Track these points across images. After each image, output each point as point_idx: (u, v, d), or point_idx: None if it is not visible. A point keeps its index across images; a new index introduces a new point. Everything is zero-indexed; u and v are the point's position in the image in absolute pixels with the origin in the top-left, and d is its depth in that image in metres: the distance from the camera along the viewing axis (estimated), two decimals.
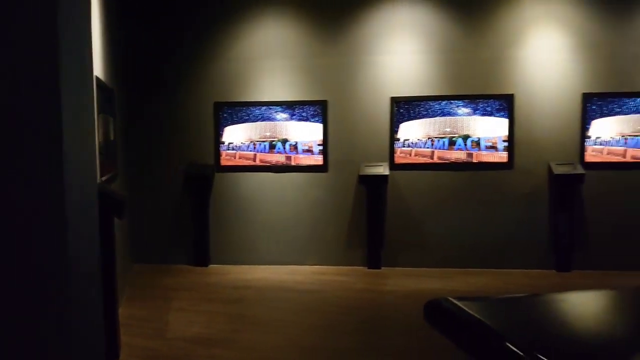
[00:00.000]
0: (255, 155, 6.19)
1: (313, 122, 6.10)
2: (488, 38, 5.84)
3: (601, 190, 5.77)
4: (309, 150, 6.11)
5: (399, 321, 4.46)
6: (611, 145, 5.76)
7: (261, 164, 6.19)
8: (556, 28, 5.75)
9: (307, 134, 6.11)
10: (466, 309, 1.74)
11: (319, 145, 6.10)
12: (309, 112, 6.08)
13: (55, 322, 1.62)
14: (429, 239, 6.00)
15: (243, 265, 6.01)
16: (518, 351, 1.31)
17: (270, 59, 6.06)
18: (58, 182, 1.58)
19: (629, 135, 5.73)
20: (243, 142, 6.18)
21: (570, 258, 5.79)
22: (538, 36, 5.77)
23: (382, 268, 5.95)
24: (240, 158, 6.20)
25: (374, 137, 6.04)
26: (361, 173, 5.88)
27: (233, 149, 6.15)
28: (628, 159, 5.75)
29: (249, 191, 6.18)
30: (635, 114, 5.70)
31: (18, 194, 1.58)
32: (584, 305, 1.80)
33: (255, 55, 6.07)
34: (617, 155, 5.76)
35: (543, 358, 1.23)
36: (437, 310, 1.86)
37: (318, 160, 6.11)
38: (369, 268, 5.96)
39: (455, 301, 1.82)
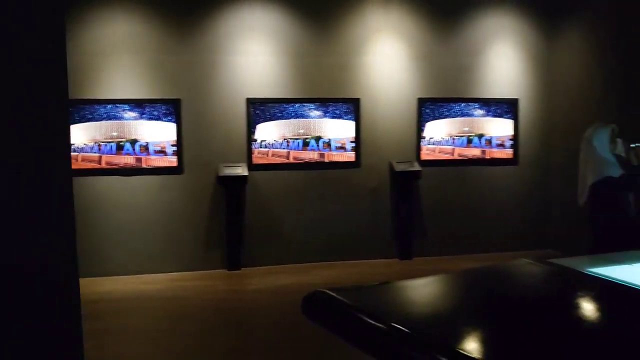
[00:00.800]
0: (100, 157, 5.77)
1: (165, 121, 5.89)
2: (336, 45, 6.26)
3: (435, 185, 6.56)
4: (162, 151, 5.90)
5: (268, 317, 4.58)
6: (442, 145, 6.59)
7: (108, 166, 5.78)
8: (396, 38, 6.39)
9: (159, 134, 5.88)
10: (342, 298, 1.94)
11: (172, 145, 5.92)
12: (160, 111, 5.86)
13: None
14: (286, 236, 6.23)
15: (89, 278, 5.55)
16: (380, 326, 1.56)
17: (117, 54, 5.71)
18: None
19: (456, 136, 6.62)
20: (87, 143, 5.72)
21: (411, 246, 6.49)
22: (380, 45, 6.35)
23: (242, 269, 6.00)
24: (83, 160, 5.72)
25: (231, 138, 6.06)
26: (219, 174, 5.85)
27: (75, 151, 5.65)
28: (456, 156, 6.64)
29: (93, 196, 5.73)
30: (461, 117, 6.61)
31: None
32: (428, 287, 2.16)
33: (100, 49, 5.66)
34: (447, 153, 6.62)
35: (402, 328, 1.53)
36: (314, 303, 2.03)
37: (172, 161, 5.92)
38: (229, 270, 5.97)
39: (331, 292, 2.01)
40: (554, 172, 6.85)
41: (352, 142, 6.35)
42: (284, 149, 6.20)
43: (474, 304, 1.94)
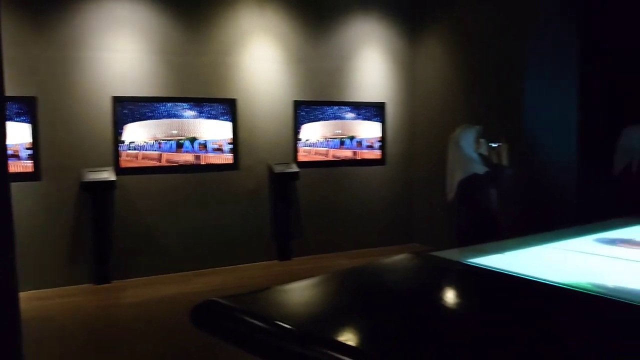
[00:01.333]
0: None
1: (18, 122, 5.27)
2: (210, 44, 6.11)
3: (311, 185, 6.72)
4: (15, 155, 5.26)
5: (148, 331, 4.31)
6: (317, 147, 6.77)
7: None
8: (271, 40, 6.42)
9: (11, 136, 5.23)
10: (234, 305, 1.97)
11: (27, 149, 5.31)
12: (12, 110, 5.22)
13: None
14: (162, 244, 5.93)
15: None
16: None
17: None
18: None
19: (330, 138, 6.85)
20: None
21: (290, 247, 6.57)
22: (255, 46, 6.34)
23: (113, 282, 5.59)
24: None
25: (96, 140, 5.61)
26: (83, 179, 5.38)
27: None
28: (330, 157, 6.87)
29: None
30: (333, 119, 6.85)
31: None
32: (315, 287, 2.28)
33: None
34: (322, 154, 6.82)
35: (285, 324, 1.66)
36: (205, 312, 2.02)
37: (27, 166, 5.31)
38: (97, 284, 5.51)
39: (222, 301, 2.03)
40: (417, 170, 7.42)
41: (229, 143, 6.25)
42: (155, 150, 5.90)
43: (360, 300, 2.07)
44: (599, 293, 2.02)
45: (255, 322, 1.78)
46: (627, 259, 2.74)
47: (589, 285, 2.11)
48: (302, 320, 1.83)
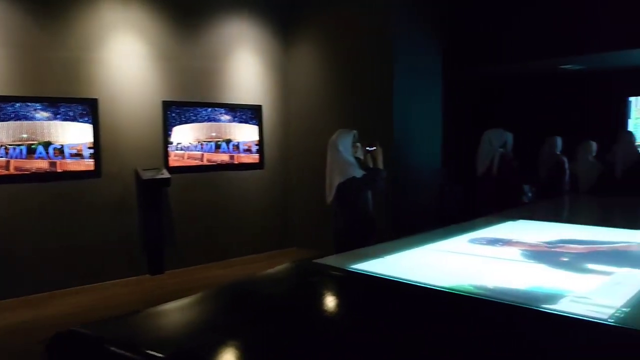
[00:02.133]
0: None
1: None
2: (67, 37, 5.54)
3: (185, 192, 6.39)
4: None
5: None
6: (190, 150, 6.46)
7: None
8: (136, 36, 5.99)
9: None
10: (98, 334, 1.78)
11: None
12: None
13: None
14: (13, 263, 5.23)
15: None
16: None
17: None
18: None
19: (204, 141, 6.57)
20: None
21: (162, 260, 6.18)
22: (119, 41, 5.88)
23: None
24: None
25: None
26: None
27: None
28: (205, 162, 6.59)
29: None
30: (208, 122, 6.58)
31: None
32: (187, 309, 2.11)
33: None
34: (196, 159, 6.52)
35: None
36: (61, 346, 1.81)
37: None
38: None
39: (82, 330, 1.82)
40: (295, 174, 7.41)
41: (90, 148, 5.71)
42: (1, 157, 5.20)
43: (240, 318, 1.94)
44: (480, 295, 2.07)
45: (123, 352, 1.58)
46: (507, 259, 2.88)
47: (471, 288, 2.16)
48: (178, 348, 1.65)
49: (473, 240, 3.42)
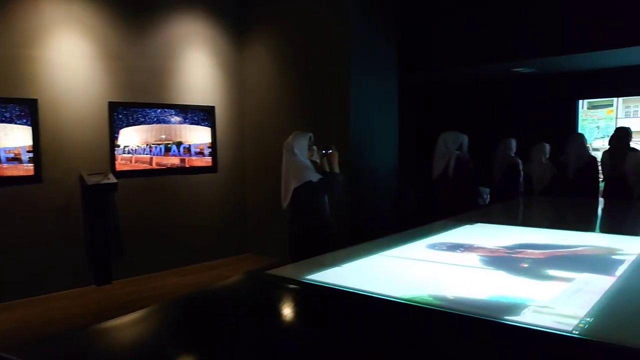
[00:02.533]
0: None
1: None
2: (2, 33, 5.19)
3: (133, 198, 6.12)
4: None
5: None
6: (139, 154, 6.19)
7: None
8: (80, 33, 5.69)
9: None
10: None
11: None
12: None
13: None
14: None
15: None
16: None
17: None
18: None
19: (154, 144, 6.32)
20: None
21: (110, 269, 5.89)
22: (62, 39, 5.56)
23: None
24: None
25: None
26: None
27: None
28: (154, 165, 6.33)
29: None
30: (157, 123, 6.33)
31: None
32: (137, 325, 1.98)
33: None
34: (145, 162, 6.25)
35: None
36: None
37: None
38: None
39: (9, 356, 1.68)
40: (250, 177, 7.24)
41: (29, 151, 5.38)
42: None
43: (194, 333, 1.83)
44: (440, 307, 1.99)
45: None
46: (467, 266, 2.82)
47: (430, 299, 2.08)
48: None
49: (432, 246, 3.37)
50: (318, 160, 4.30)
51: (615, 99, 8.36)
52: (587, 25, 6.21)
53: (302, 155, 4.12)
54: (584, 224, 4.66)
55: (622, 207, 5.40)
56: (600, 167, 6.16)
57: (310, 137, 4.20)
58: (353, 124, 6.20)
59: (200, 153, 6.80)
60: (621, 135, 5.95)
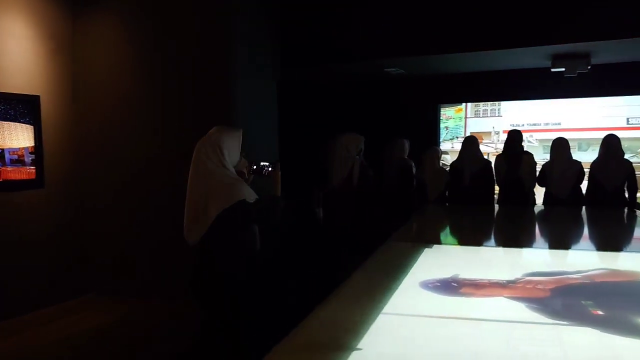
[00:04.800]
0: None
1: None
2: None
3: None
4: None
5: None
6: None
7: None
8: None
9: None
10: None
11: None
12: None
13: None
14: None
15: None
16: None
17: None
18: None
19: None
20: None
21: None
22: None
23: None
24: None
25: None
26: None
27: None
28: None
29: None
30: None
31: None
32: None
33: None
34: None
35: None
36: None
37: None
38: None
39: None
40: (91, 194, 5.59)
41: None
42: None
43: None
44: None
45: None
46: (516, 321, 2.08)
47: None
48: None
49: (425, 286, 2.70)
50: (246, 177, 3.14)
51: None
52: (452, 27, 6.14)
53: (232, 164, 2.95)
54: (552, 238, 4.34)
55: (563, 216, 5.28)
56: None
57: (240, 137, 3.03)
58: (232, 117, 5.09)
59: (19, 161, 4.98)
60: (515, 138, 5.88)
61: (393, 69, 7.51)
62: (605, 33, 5.65)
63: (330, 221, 5.50)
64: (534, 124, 8.06)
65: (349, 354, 1.86)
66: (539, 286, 2.57)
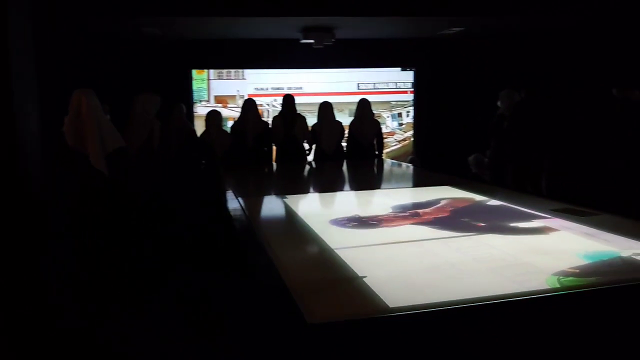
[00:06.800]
0: None
1: None
2: None
3: None
4: None
5: None
6: None
7: None
8: None
9: None
10: None
11: None
12: None
13: None
14: None
15: None
16: None
17: None
18: None
19: None
20: None
21: None
22: None
23: None
24: None
25: None
26: None
27: None
28: None
29: None
30: None
31: None
32: None
33: None
34: None
35: None
36: None
37: None
38: None
39: None
40: None
41: None
42: None
43: None
44: None
45: None
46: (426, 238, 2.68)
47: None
48: None
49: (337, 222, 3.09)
50: None
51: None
52: None
53: None
54: (362, 184, 5.08)
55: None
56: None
57: None
58: None
59: None
60: (290, 102, 6.47)
61: (151, 29, 7.15)
62: (349, 10, 6.43)
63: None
64: (278, 88, 8.74)
65: (364, 280, 2.05)
66: (426, 216, 3.14)
